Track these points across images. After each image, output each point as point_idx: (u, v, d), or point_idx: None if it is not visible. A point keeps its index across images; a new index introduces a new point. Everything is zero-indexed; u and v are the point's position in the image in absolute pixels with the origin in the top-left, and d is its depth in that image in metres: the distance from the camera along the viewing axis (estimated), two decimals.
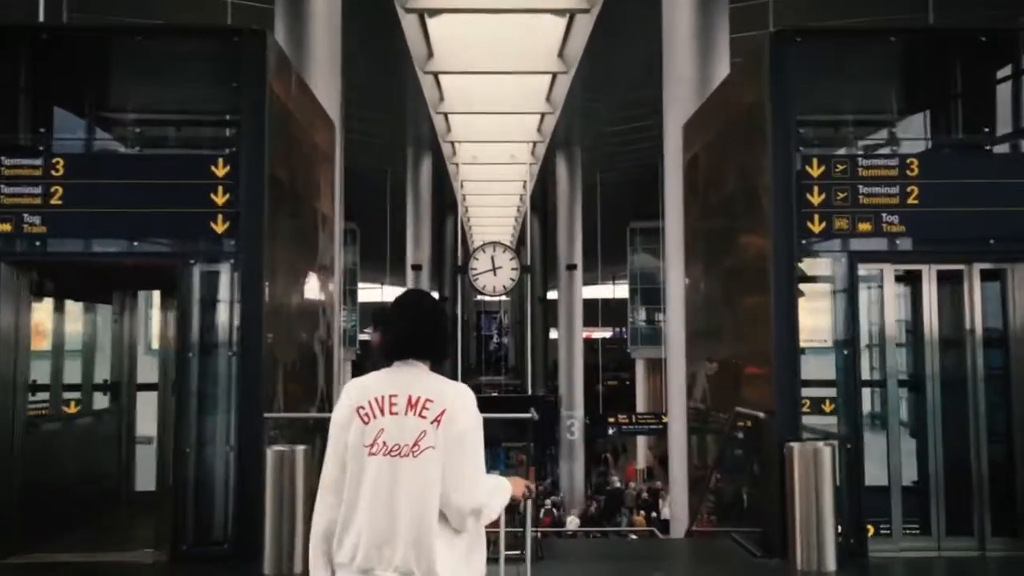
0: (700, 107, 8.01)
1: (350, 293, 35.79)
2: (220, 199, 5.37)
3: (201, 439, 5.38)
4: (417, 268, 26.86)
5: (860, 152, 5.82)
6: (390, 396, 2.63)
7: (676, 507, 10.64)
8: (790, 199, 5.48)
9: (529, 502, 4.33)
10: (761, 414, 5.43)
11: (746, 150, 6.09)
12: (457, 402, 2.65)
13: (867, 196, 5.51)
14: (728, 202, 6.59)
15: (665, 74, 11.33)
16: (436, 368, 2.80)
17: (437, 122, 24.17)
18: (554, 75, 20.42)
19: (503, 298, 53.56)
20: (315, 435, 6.36)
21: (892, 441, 5.70)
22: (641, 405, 37.95)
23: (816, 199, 5.50)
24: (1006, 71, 5.95)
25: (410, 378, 2.69)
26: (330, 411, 2.74)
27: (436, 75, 20.46)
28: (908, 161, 5.54)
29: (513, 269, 21.62)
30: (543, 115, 24.09)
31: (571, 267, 27.21)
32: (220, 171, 5.39)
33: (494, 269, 21.49)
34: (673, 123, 10.97)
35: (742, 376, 6.21)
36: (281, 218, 5.89)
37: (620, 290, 55.19)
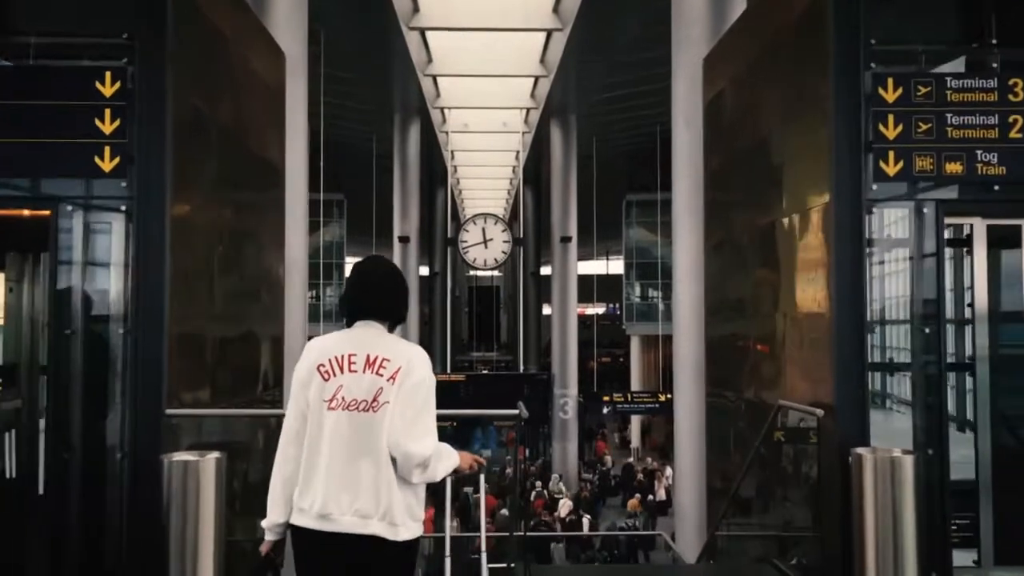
0: (726, 35, 6.70)
1: (336, 267, 34.68)
2: (107, 126, 4.07)
3: (87, 441, 4.11)
4: (404, 240, 25.52)
5: (949, 72, 4.48)
6: (349, 355, 2.82)
7: (683, 503, 9.45)
8: (857, 132, 4.20)
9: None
10: (817, 411, 4.15)
11: (794, 74, 4.81)
12: (413, 361, 2.85)
13: (957, 128, 4.23)
14: (767, 143, 5.31)
15: (674, 15, 10.01)
16: (394, 329, 3.01)
17: (425, 85, 22.95)
18: (549, 32, 19.22)
19: (495, 273, 52.48)
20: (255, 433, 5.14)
21: (982, 442, 4.46)
22: (636, 383, 37.01)
23: (891, 131, 4.22)
24: None
25: (369, 338, 2.88)
26: (277, 404, 2.64)
27: (423, 32, 19.19)
28: (1011, 83, 4.25)
29: (505, 242, 20.59)
30: (537, 78, 22.98)
31: (565, 239, 25.90)
32: (107, 89, 4.08)
33: (485, 242, 20.58)
34: (684, 70, 9.72)
35: (785, 359, 4.94)
36: (198, 158, 4.59)
37: (614, 266, 54.20)
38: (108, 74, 4.08)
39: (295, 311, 8.94)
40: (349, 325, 2.95)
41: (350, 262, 39.57)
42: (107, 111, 4.06)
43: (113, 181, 4.09)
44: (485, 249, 20.63)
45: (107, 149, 4.05)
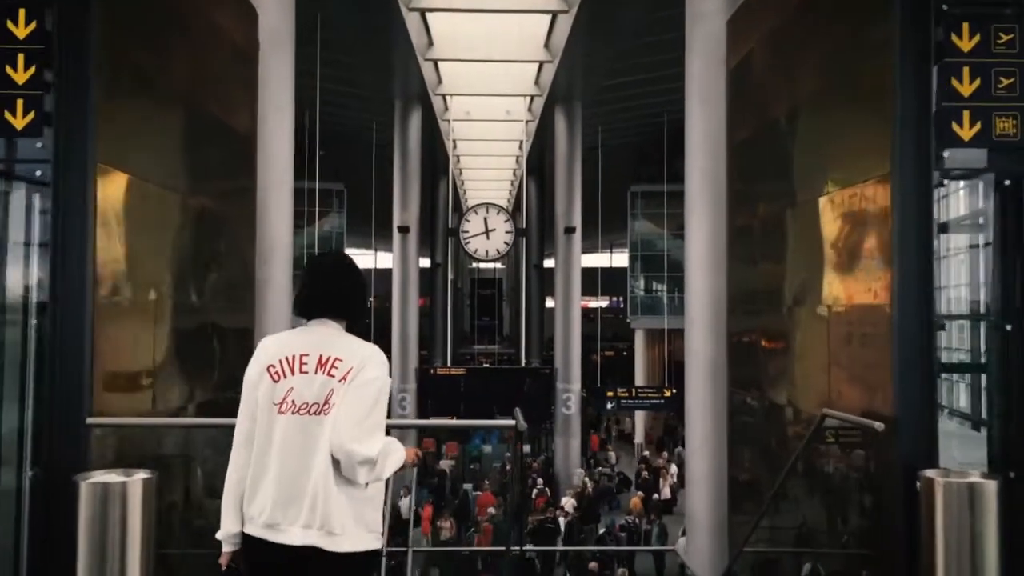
0: None
1: None
2: (20, 75, 3.36)
3: None
4: (404, 230, 24.79)
5: None
6: (301, 355, 2.68)
7: (696, 511, 8.73)
8: (925, 88, 3.48)
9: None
10: (876, 425, 3.43)
11: (841, 24, 4.08)
12: (367, 361, 2.68)
13: None
14: (806, 109, 4.58)
15: None
16: (353, 329, 2.85)
17: (426, 71, 22.26)
18: (554, 15, 18.49)
19: (498, 265, 51.82)
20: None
21: None
22: (640, 378, 36.32)
23: (966, 87, 3.49)
24: None
25: (323, 338, 2.74)
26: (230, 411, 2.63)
27: (423, 14, 18.49)
28: None
29: (508, 232, 19.87)
30: (541, 64, 22.27)
31: (569, 230, 25.12)
32: (21, 30, 3.37)
33: (487, 232, 19.89)
34: (699, 44, 8.93)
35: (828, 360, 4.22)
36: (137, 118, 3.88)
37: (617, 259, 53.46)
38: (22, 12, 3.37)
39: (276, 303, 8.25)
40: (308, 322, 2.82)
41: (351, 253, 38.92)
42: (20, 57, 3.36)
43: (27, 141, 3.38)
44: (487, 240, 19.95)
45: (19, 102, 3.34)
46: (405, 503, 20.37)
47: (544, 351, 36.93)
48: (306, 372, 2.64)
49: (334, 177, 31.86)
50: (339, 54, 19.05)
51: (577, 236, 25.63)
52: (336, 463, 2.57)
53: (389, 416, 2.81)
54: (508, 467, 23.64)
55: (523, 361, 29.80)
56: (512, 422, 3.47)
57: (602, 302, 47.42)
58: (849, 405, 3.86)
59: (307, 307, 2.80)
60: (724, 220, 7.86)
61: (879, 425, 3.38)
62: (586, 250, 30.81)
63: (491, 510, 19.17)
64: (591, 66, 21.39)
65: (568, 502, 20.32)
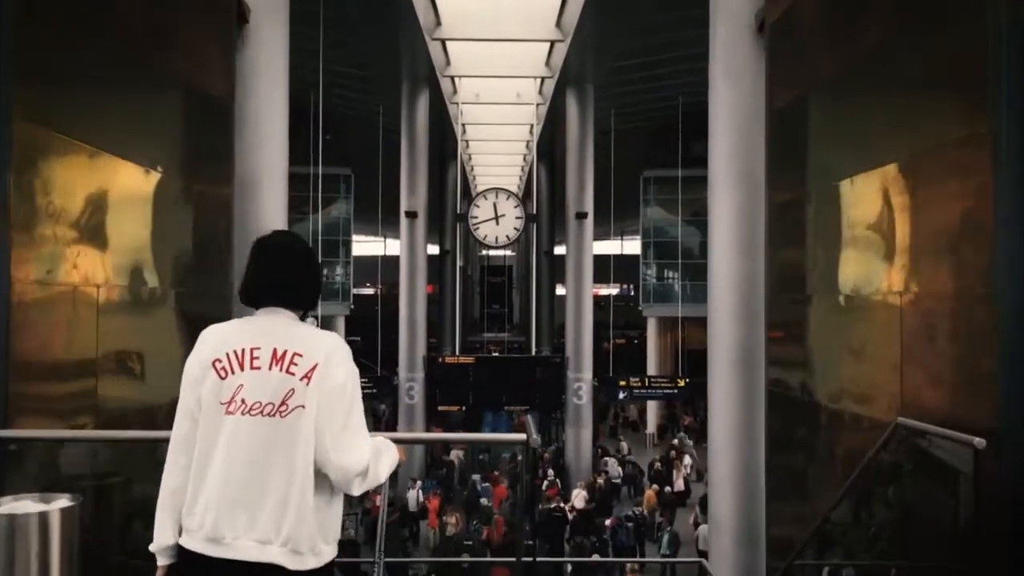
0: None
1: (343, 244, 33.52)
2: None
3: None
4: (412, 215, 24.14)
5: None
6: (251, 349, 2.37)
7: (720, 514, 8.08)
8: None
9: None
10: (976, 441, 2.75)
11: None
12: (332, 356, 2.37)
13: None
14: (869, 59, 3.89)
15: None
16: (306, 318, 2.55)
17: (434, 51, 21.63)
18: None
19: (508, 252, 51.22)
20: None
21: None
22: (652, 366, 35.70)
23: None
24: None
25: (276, 328, 2.42)
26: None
27: None
28: None
29: (517, 218, 19.27)
30: (552, 43, 21.60)
31: (581, 215, 24.42)
32: None
33: (496, 218, 19.33)
34: (724, 6, 8.33)
35: (900, 357, 3.54)
36: (72, 68, 3.23)
37: (628, 246, 52.74)
38: None
39: None
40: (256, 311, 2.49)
41: (358, 240, 38.34)
42: None
43: None
44: (497, 226, 19.39)
45: None
46: (412, 495, 19.92)
47: (554, 339, 36.43)
48: (258, 368, 2.33)
49: (342, 162, 31.32)
50: (343, 34, 18.45)
51: (589, 222, 24.98)
52: (308, 475, 2.31)
53: (393, 423, 2.22)
54: (519, 457, 23.09)
55: (533, 349, 29.20)
56: (523, 437, 2.82)
57: (612, 290, 46.82)
58: (930, 413, 3.19)
59: (256, 294, 2.46)
60: (757, 198, 7.19)
61: (979, 441, 2.71)
62: (597, 237, 30.20)
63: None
64: (603, 46, 20.84)
65: (579, 495, 19.75)
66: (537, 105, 25.55)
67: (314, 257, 2.58)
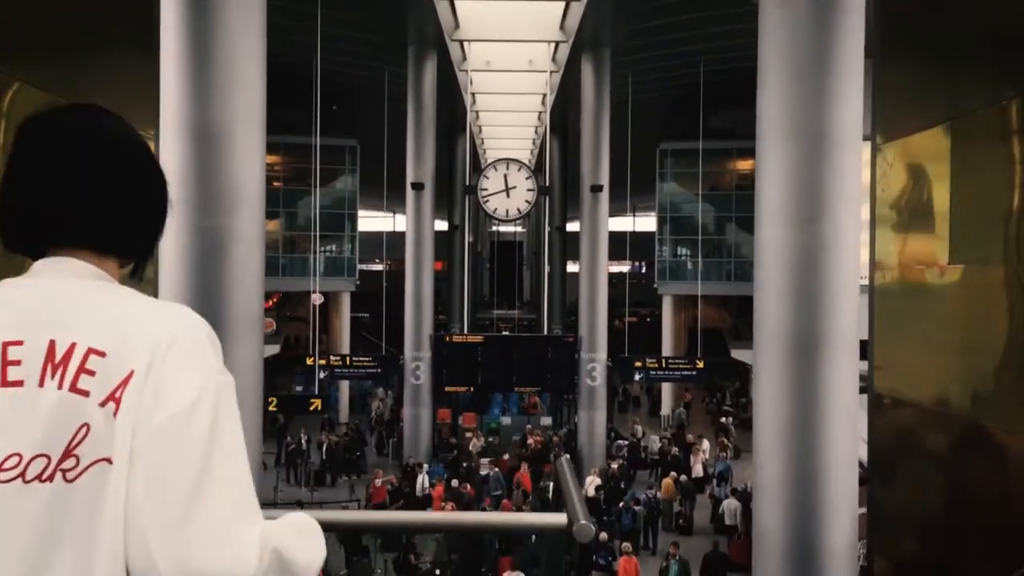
0: None
1: (349, 218, 32.50)
2: None
3: None
4: (418, 187, 23.04)
5: None
6: (5, 345, 1.12)
7: (765, 524, 7.00)
8: None
9: None
10: None
11: None
12: (171, 353, 1.13)
13: None
14: None
15: None
16: (138, 274, 1.28)
17: (442, 12, 20.44)
18: None
19: (518, 228, 50.14)
20: None
21: None
22: (668, 346, 34.61)
23: None
24: None
25: (60, 302, 1.16)
26: None
27: None
28: None
29: (529, 191, 18.22)
30: (568, 3, 20.41)
31: (596, 188, 23.22)
32: None
33: (507, 190, 18.33)
34: None
35: None
36: None
37: (641, 222, 51.49)
38: None
39: (248, 272, 6.64)
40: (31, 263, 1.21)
41: (363, 215, 37.17)
42: None
43: None
44: (507, 198, 18.44)
45: None
46: (420, 480, 18.99)
47: (566, 317, 35.42)
48: (16, 382, 1.11)
49: (347, 132, 30.23)
50: None
51: (604, 196, 23.83)
52: None
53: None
54: (529, 440, 22.10)
55: (545, 328, 28.18)
56: (562, 519, 1.54)
57: (624, 267, 45.76)
58: None
59: (28, 226, 1.20)
60: (816, 154, 6.06)
61: None
62: (612, 212, 29.11)
63: None
64: (621, 7, 19.62)
65: (592, 482, 18.77)
66: (551, 73, 24.38)
67: (148, 155, 1.28)
